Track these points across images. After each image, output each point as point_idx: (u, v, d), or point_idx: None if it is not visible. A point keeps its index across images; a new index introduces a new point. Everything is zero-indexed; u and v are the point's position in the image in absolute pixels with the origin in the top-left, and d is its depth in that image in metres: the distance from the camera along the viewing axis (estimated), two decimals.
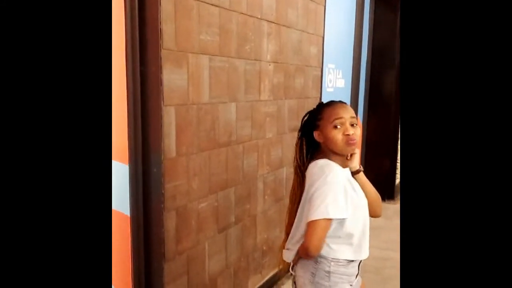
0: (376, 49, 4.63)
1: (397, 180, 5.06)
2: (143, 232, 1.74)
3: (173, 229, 1.83)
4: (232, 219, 2.25)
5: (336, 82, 3.91)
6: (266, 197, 2.57)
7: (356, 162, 1.44)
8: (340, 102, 1.45)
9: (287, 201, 2.84)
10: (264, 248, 2.62)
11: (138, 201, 1.72)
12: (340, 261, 1.37)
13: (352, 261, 1.39)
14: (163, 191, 1.75)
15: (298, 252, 1.41)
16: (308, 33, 2.87)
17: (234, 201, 2.25)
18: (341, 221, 1.33)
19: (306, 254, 1.35)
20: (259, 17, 2.28)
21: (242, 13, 2.13)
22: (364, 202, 1.42)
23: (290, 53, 2.66)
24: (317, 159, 1.42)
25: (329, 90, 3.72)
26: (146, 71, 1.66)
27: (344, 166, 1.41)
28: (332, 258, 1.37)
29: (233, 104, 2.15)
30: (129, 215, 1.72)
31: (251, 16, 2.20)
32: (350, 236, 1.36)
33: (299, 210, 1.43)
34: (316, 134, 1.42)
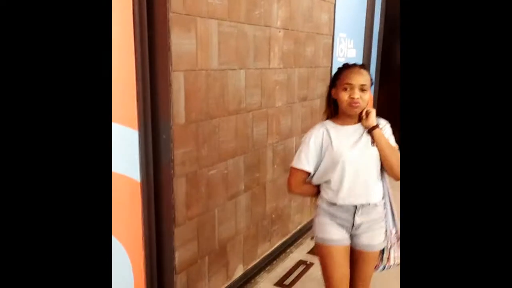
0: (389, 19, 4.50)
1: None
2: (154, 198, 1.76)
3: (183, 195, 1.84)
4: (242, 187, 2.26)
5: (348, 52, 3.82)
6: (275, 166, 2.57)
7: (371, 121, 1.56)
8: (359, 67, 1.58)
9: None
10: (273, 216, 2.64)
11: (148, 167, 1.72)
12: (324, 200, 1.62)
13: (334, 204, 1.60)
14: (172, 157, 1.75)
15: None
16: None
17: (243, 169, 2.25)
18: (317, 171, 1.61)
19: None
20: None
21: None
22: (356, 156, 1.55)
23: (300, 19, 2.60)
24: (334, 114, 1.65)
25: (340, 59, 3.65)
26: (154, 35, 1.63)
27: (352, 123, 1.60)
28: (321, 195, 1.65)
29: (242, 71, 2.12)
30: (139, 180, 1.73)
31: None
32: (329, 182, 1.59)
33: None
34: (332, 91, 1.61)
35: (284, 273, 2.58)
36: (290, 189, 1.69)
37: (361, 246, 1.61)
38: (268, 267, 2.63)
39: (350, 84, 1.51)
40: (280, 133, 2.58)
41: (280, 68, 2.46)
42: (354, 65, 1.59)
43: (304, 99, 2.81)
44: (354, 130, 1.59)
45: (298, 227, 3.01)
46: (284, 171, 2.69)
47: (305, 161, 1.60)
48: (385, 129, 1.60)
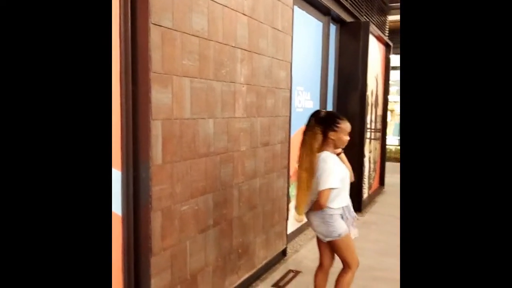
0: (342, 74, 5.08)
1: (364, 195, 5.43)
2: (133, 229, 2.00)
3: (159, 227, 2.09)
4: (211, 222, 2.53)
5: (305, 103, 4.29)
6: (241, 204, 2.86)
7: (340, 149, 2.46)
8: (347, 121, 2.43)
9: (260, 209, 3.14)
10: (240, 251, 2.89)
11: (129, 201, 1.99)
12: (335, 208, 2.33)
13: (340, 207, 2.35)
14: (150, 193, 2.02)
15: (312, 207, 2.37)
16: (277, 59, 3.24)
17: (212, 206, 2.53)
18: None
19: (318, 207, 2.31)
20: (233, 45, 2.63)
21: (219, 42, 2.48)
22: (347, 172, 2.40)
23: (261, 76, 3.02)
24: (322, 146, 2.37)
25: (298, 110, 4.09)
26: (137, 90, 1.97)
27: (334, 151, 2.41)
28: (331, 207, 2.32)
29: (211, 120, 2.47)
30: (120, 214, 1.98)
31: (226, 44, 2.55)
32: (339, 193, 2.33)
33: (314, 186, 2.34)
34: (331, 134, 2.36)
35: None
36: (325, 205, 2.28)
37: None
38: None
39: (349, 133, 2.40)
40: (245, 174, 2.90)
41: (244, 118, 2.83)
42: (344, 119, 2.42)
43: (266, 144, 3.17)
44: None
45: (264, 262, 3.25)
46: (249, 209, 2.98)
47: (337, 180, 2.28)
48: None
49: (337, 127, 2.36)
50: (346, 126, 2.40)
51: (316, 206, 2.33)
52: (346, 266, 2.41)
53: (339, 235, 2.33)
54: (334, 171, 2.29)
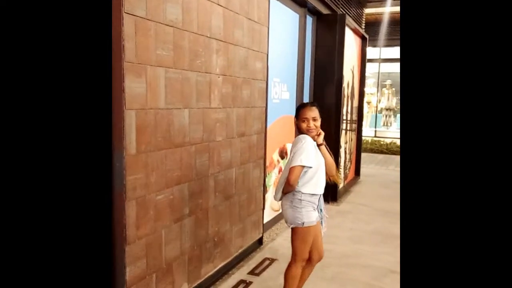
0: (318, 66, 5.14)
1: (340, 185, 5.54)
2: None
3: (134, 216, 2.11)
4: (186, 211, 2.55)
5: (282, 95, 4.33)
6: (217, 193, 2.89)
7: (320, 139, 2.44)
8: (310, 105, 2.43)
9: (236, 198, 3.19)
10: (216, 239, 2.93)
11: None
12: (307, 193, 2.33)
13: (314, 194, 2.35)
14: (125, 183, 2.03)
15: (283, 190, 2.38)
16: (253, 50, 3.26)
17: (188, 195, 2.55)
18: (308, 168, 2.30)
19: (287, 186, 2.32)
20: (208, 36, 2.64)
21: (193, 32, 2.48)
22: (322, 162, 2.41)
23: (237, 67, 3.04)
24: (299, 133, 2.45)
25: (275, 101, 4.13)
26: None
27: (313, 139, 2.41)
28: (302, 192, 2.33)
29: (186, 110, 2.48)
30: None
31: (201, 35, 2.56)
32: (311, 178, 2.32)
33: (286, 165, 2.40)
34: (296, 121, 2.46)
35: None
36: (293, 184, 2.29)
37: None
38: (212, 287, 2.88)
39: (306, 118, 2.37)
40: (221, 164, 2.93)
41: (220, 108, 2.85)
42: (307, 104, 2.45)
43: (242, 135, 3.20)
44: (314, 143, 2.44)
45: (240, 251, 3.30)
46: (224, 198, 3.01)
47: (310, 159, 2.29)
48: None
49: (298, 114, 2.44)
50: (302, 112, 2.40)
51: (286, 185, 2.32)
52: (292, 258, 2.40)
53: (302, 223, 2.31)
54: (306, 150, 2.27)
